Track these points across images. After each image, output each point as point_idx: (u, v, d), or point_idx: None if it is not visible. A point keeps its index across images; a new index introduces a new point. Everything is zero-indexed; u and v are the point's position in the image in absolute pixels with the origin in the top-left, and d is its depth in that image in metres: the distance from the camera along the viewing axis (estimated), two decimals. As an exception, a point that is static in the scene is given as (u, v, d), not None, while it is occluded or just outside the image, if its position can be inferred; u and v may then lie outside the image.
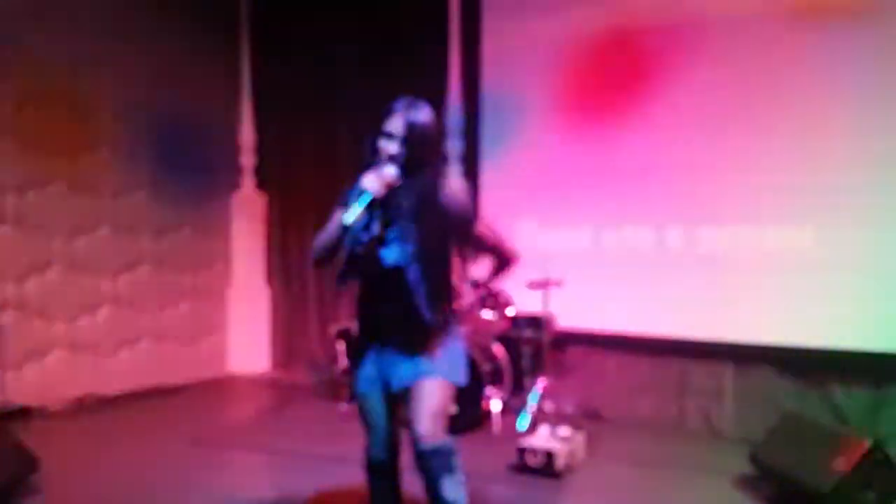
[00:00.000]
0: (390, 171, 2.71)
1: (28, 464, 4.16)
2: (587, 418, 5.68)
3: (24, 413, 5.77)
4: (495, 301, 5.65)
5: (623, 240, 5.77)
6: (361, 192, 2.65)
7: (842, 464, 3.72)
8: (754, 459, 4.30)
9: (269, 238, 7.68)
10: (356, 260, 2.80)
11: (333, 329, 6.20)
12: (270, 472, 4.72)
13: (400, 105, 2.79)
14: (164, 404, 6.39)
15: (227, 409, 6.41)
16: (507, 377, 5.61)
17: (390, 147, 2.75)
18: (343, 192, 2.85)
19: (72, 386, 6.21)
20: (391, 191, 2.74)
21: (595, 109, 5.88)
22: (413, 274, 2.78)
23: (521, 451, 4.50)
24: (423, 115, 2.80)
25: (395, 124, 2.75)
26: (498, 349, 5.68)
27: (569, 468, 4.51)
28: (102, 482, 4.39)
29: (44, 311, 6.06)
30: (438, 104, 6.55)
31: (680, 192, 5.56)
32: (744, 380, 5.41)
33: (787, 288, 5.19)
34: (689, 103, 5.51)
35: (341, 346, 5.95)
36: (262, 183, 7.67)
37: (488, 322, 5.62)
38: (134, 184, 6.71)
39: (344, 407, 5.89)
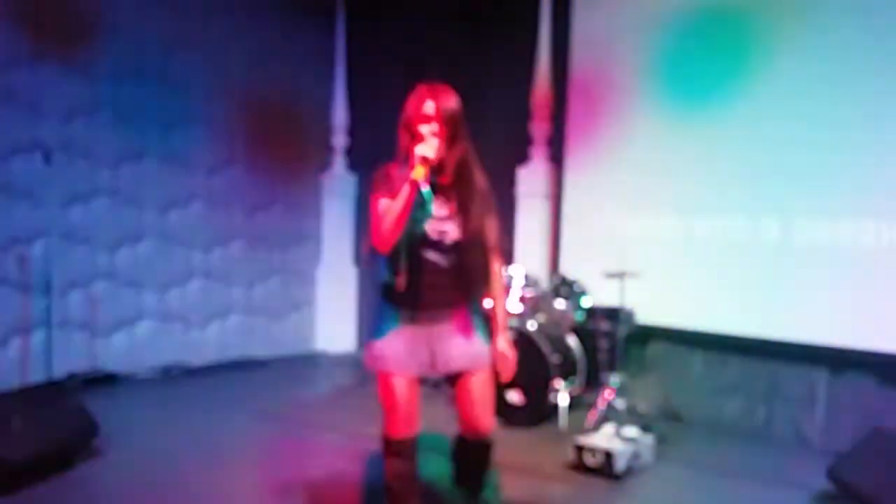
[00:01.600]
0: (433, 142, 2.77)
1: (89, 428, 4.29)
2: (666, 419, 5.37)
3: (111, 379, 6.01)
4: (570, 290, 5.41)
5: (714, 231, 5.38)
6: (419, 158, 2.70)
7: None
8: (833, 475, 3.91)
9: (359, 219, 7.67)
10: (413, 240, 2.84)
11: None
12: (324, 450, 4.67)
13: (425, 90, 2.87)
14: (248, 378, 6.52)
15: (305, 386, 6.44)
16: (581, 371, 5.38)
17: (431, 127, 2.81)
18: (378, 181, 2.87)
19: (159, 355, 6.42)
20: (435, 171, 2.81)
21: (688, 92, 5.50)
22: (463, 255, 2.88)
23: (579, 450, 4.28)
24: (449, 95, 2.88)
25: (429, 108, 2.82)
26: (573, 341, 5.44)
27: (631, 471, 4.26)
28: (162, 449, 4.53)
29: (135, 281, 6.27)
30: (527, 84, 6.34)
31: (778, 181, 5.11)
32: (839, 388, 4.94)
33: (893, 287, 4.70)
34: (794, 89, 5.05)
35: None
36: (353, 164, 7.66)
37: (562, 312, 5.39)
38: (227, 160, 6.85)
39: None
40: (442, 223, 2.86)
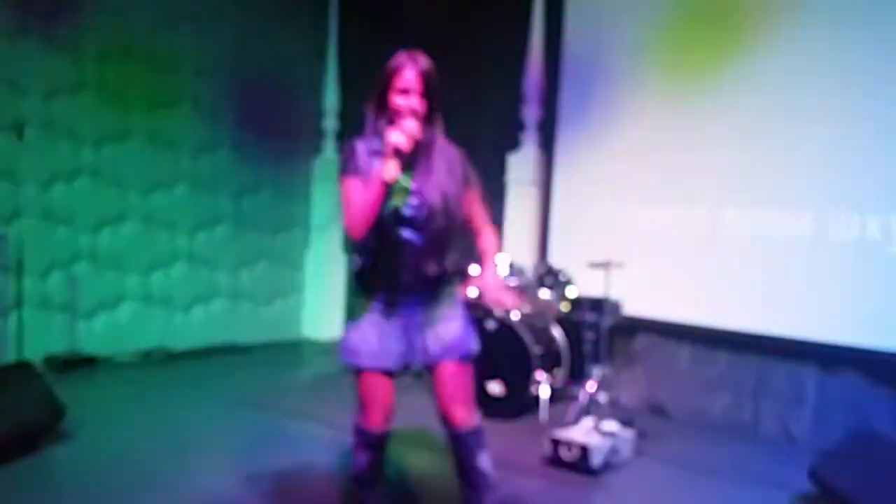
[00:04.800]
0: (412, 125, 2.59)
1: (55, 411, 4.19)
2: (651, 413, 5.24)
3: (90, 362, 5.93)
4: (555, 280, 5.29)
5: (705, 222, 5.23)
6: (393, 149, 2.55)
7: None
8: (814, 476, 3.77)
9: (348, 204, 7.55)
10: (386, 220, 2.67)
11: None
12: (300, 439, 4.56)
13: (405, 59, 2.68)
14: (231, 363, 6.43)
15: (288, 373, 6.33)
16: (565, 362, 5.25)
17: (411, 102, 2.64)
18: (346, 161, 2.71)
19: (141, 339, 6.33)
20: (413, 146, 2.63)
21: (682, 79, 5.35)
22: (438, 228, 2.72)
23: (555, 444, 4.16)
24: (429, 64, 2.70)
25: (410, 79, 2.65)
26: (558, 332, 5.32)
27: (608, 466, 4.14)
28: (133, 434, 4.44)
29: (117, 263, 6.19)
30: (519, 69, 6.20)
31: (771, 171, 4.97)
32: (828, 386, 4.80)
33: (887, 284, 4.55)
34: (792, 77, 4.88)
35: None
36: (343, 148, 7.51)
37: (546, 302, 5.26)
38: (214, 142, 6.74)
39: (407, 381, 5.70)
40: (410, 196, 2.70)
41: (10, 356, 5.35)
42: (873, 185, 4.60)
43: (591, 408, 4.70)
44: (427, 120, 2.68)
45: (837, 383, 4.78)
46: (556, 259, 5.75)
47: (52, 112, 5.72)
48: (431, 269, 2.75)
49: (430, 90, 2.67)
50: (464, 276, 2.97)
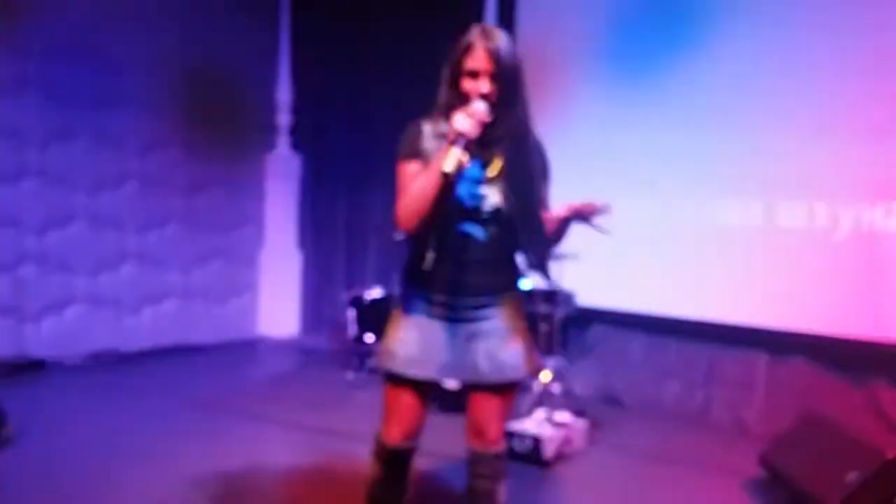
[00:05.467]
0: (480, 107, 2.27)
1: (-4, 417, 4.10)
2: (605, 403, 5.27)
3: (39, 366, 5.79)
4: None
5: (656, 213, 5.24)
6: (457, 135, 2.22)
7: (854, 477, 3.23)
8: (764, 461, 3.82)
9: (303, 201, 7.49)
10: (447, 209, 2.35)
11: (345, 296, 5.96)
12: (253, 440, 4.50)
13: (476, 35, 2.35)
14: (184, 364, 6.31)
15: (243, 373, 6.26)
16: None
17: (480, 86, 2.31)
18: (406, 142, 2.43)
19: (91, 341, 6.20)
20: (483, 132, 2.30)
21: (635, 69, 5.36)
22: (507, 227, 2.40)
23: (508, 436, 4.15)
24: (505, 42, 2.36)
25: (480, 59, 2.32)
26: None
27: (561, 456, 4.15)
28: (81, 439, 4.31)
29: (65, 264, 6.04)
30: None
31: (721, 161, 5.00)
32: (777, 372, 4.86)
33: (836, 272, 4.60)
34: (743, 66, 4.91)
35: (352, 314, 5.71)
36: (298, 144, 7.46)
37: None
38: (163, 140, 6.61)
39: (351, 376, 5.66)
40: (479, 186, 2.38)
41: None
42: (822, 175, 4.64)
43: (544, 399, 4.71)
44: (503, 104, 2.34)
45: (787, 370, 4.84)
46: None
47: (-6, 113, 5.60)
48: (494, 271, 2.45)
49: (506, 71, 2.33)
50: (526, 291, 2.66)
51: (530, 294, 5.29)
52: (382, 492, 2.57)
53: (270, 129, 7.44)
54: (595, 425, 4.62)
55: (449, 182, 2.25)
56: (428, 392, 2.52)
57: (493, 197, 2.38)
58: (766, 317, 4.83)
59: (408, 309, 2.50)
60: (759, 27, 4.88)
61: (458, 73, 2.35)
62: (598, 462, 4.25)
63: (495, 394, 2.49)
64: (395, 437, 2.51)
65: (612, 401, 5.35)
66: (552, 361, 4.94)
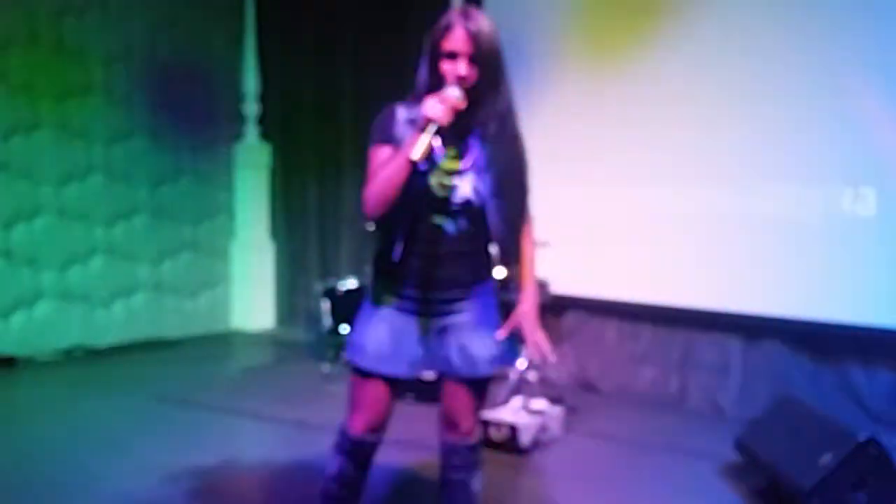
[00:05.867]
0: (454, 93, 2.18)
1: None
2: (581, 390, 5.27)
3: (9, 363, 5.70)
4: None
5: (626, 199, 5.24)
6: (427, 121, 2.14)
7: (829, 458, 3.24)
8: (740, 446, 3.83)
9: (273, 190, 7.41)
10: (418, 202, 2.30)
11: (319, 287, 5.91)
12: (224, 434, 4.45)
13: (456, 16, 2.25)
14: (156, 359, 6.23)
15: (216, 367, 6.15)
16: (495, 343, 5.23)
17: (458, 68, 2.22)
18: (378, 127, 2.34)
19: (61, 337, 6.10)
20: (456, 118, 2.21)
21: (602, 57, 5.34)
22: (493, 214, 2.32)
23: (484, 424, 4.14)
24: (487, 25, 2.26)
25: (458, 40, 2.22)
26: (487, 313, 5.29)
27: (537, 444, 4.14)
28: (50, 436, 4.24)
29: (32, 259, 5.93)
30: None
31: (689, 148, 5.00)
32: (752, 356, 4.89)
33: (806, 255, 4.62)
34: (712, 55, 4.92)
35: (326, 305, 5.65)
36: (267, 133, 7.37)
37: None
38: (129, 130, 6.49)
39: (326, 368, 5.61)
40: (451, 177, 2.31)
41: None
42: (793, 160, 4.66)
43: (520, 387, 4.70)
44: (481, 88, 2.26)
45: (761, 353, 4.87)
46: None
47: (-47, 105, 5.47)
48: (465, 264, 2.38)
49: (486, 54, 2.24)
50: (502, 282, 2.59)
51: (503, 283, 5.28)
52: (339, 487, 2.49)
53: (238, 119, 7.34)
54: (571, 412, 4.62)
55: (416, 169, 2.20)
56: (397, 386, 2.46)
57: (463, 188, 2.31)
58: (740, 301, 4.85)
59: (377, 302, 2.44)
60: (729, 18, 4.87)
61: (436, 55, 2.27)
62: (576, 449, 4.24)
63: (468, 386, 2.45)
64: (358, 428, 2.44)
65: (588, 387, 5.36)
66: (525, 350, 4.91)
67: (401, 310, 2.41)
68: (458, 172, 2.32)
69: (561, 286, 5.31)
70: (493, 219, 2.34)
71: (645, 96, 5.16)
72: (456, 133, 2.28)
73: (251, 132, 7.34)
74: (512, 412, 4.21)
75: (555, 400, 4.54)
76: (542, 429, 4.20)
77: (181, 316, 6.96)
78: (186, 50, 6.81)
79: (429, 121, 2.15)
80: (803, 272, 4.63)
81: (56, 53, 5.96)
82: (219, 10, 7.11)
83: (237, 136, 7.36)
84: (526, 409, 4.26)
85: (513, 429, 4.04)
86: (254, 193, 7.33)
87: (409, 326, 2.41)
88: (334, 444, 2.51)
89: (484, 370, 2.43)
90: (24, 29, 5.77)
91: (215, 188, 7.23)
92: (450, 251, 2.35)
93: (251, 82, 7.30)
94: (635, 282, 5.23)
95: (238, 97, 7.31)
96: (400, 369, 2.40)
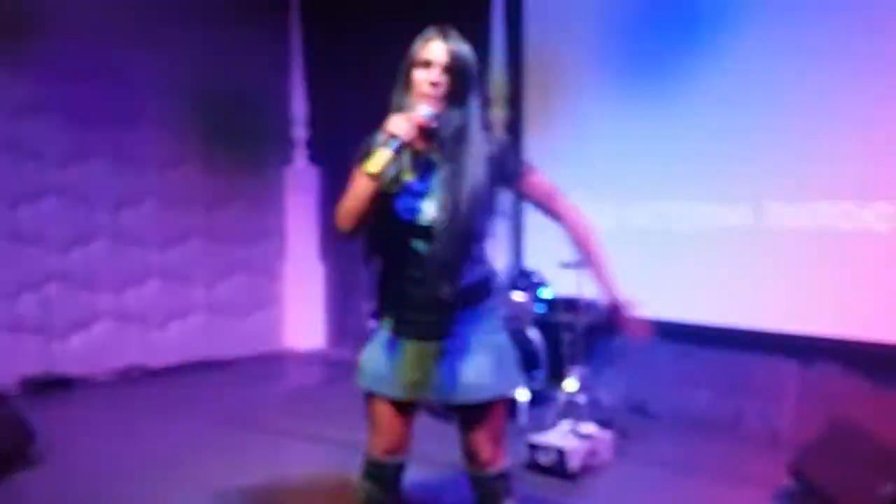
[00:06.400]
0: (423, 111, 2.24)
1: (23, 435, 4.12)
2: (631, 413, 5.19)
3: (67, 383, 5.84)
4: (528, 282, 5.22)
5: (681, 218, 5.15)
6: (389, 136, 2.19)
7: (889, 489, 3.14)
8: (794, 471, 3.72)
9: (323, 213, 7.49)
10: (388, 222, 2.32)
11: (368, 307, 5.93)
12: (271, 454, 4.48)
13: (434, 32, 2.35)
14: (210, 379, 6.34)
15: (269, 386, 6.23)
16: (544, 365, 5.19)
17: (430, 75, 2.27)
18: (361, 149, 2.36)
19: (117, 357, 6.25)
20: (427, 135, 2.29)
21: (646, 72, 5.28)
22: (455, 238, 2.29)
23: (532, 448, 4.10)
24: (462, 43, 2.35)
25: (434, 50, 2.29)
26: (535, 334, 5.25)
27: (587, 469, 4.08)
28: (108, 456, 4.35)
29: (89, 282, 6.10)
30: (483, 70, 6.12)
31: (748, 163, 4.87)
32: (808, 378, 4.74)
33: (864, 274, 4.46)
34: (756, 66, 4.81)
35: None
36: (315, 156, 7.47)
37: (521, 305, 5.20)
38: (181, 157, 6.66)
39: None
40: (420, 199, 2.32)
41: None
42: (856, 175, 4.50)
43: (569, 410, 4.64)
44: (455, 103, 2.30)
45: (818, 376, 4.72)
46: (531, 260, 5.69)
47: (16, 133, 5.66)
48: (445, 287, 2.32)
49: (460, 69, 2.29)
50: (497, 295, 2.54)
51: (552, 302, 5.25)
52: None
53: (287, 143, 7.44)
54: (622, 436, 4.54)
55: (379, 186, 2.22)
56: (409, 408, 2.46)
57: (429, 210, 2.31)
58: (796, 322, 4.71)
59: (380, 326, 2.46)
60: (773, 29, 4.77)
61: (410, 65, 2.32)
62: (626, 474, 4.17)
63: (479, 414, 2.44)
64: (379, 450, 2.47)
65: (639, 411, 5.26)
66: (576, 371, 4.87)
67: (398, 334, 2.40)
68: (426, 194, 2.32)
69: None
70: (442, 238, 2.29)
71: (686, 109, 5.08)
72: (425, 155, 2.32)
73: (300, 156, 7.44)
74: (560, 436, 4.16)
75: (605, 423, 4.47)
76: (592, 453, 4.14)
77: (234, 336, 7.06)
78: (235, 76, 6.92)
79: (391, 136, 2.18)
80: (861, 292, 4.49)
81: (108, 83, 6.14)
82: (266, 36, 7.22)
83: (286, 160, 7.45)
84: (574, 432, 4.20)
85: (560, 453, 3.99)
86: (304, 216, 7.42)
87: (406, 352, 2.38)
88: (361, 469, 2.52)
89: (476, 396, 2.40)
90: (78, 61, 5.95)
91: (266, 211, 7.33)
92: (429, 274, 2.32)
93: (299, 107, 7.40)
94: (688, 301, 5.12)
95: (286, 122, 7.41)
96: (396, 392, 2.40)
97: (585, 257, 2.54)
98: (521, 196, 2.52)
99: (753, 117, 4.83)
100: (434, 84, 2.27)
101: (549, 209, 2.54)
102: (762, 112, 4.79)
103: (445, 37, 2.32)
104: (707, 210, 5.07)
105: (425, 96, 2.27)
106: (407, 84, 2.33)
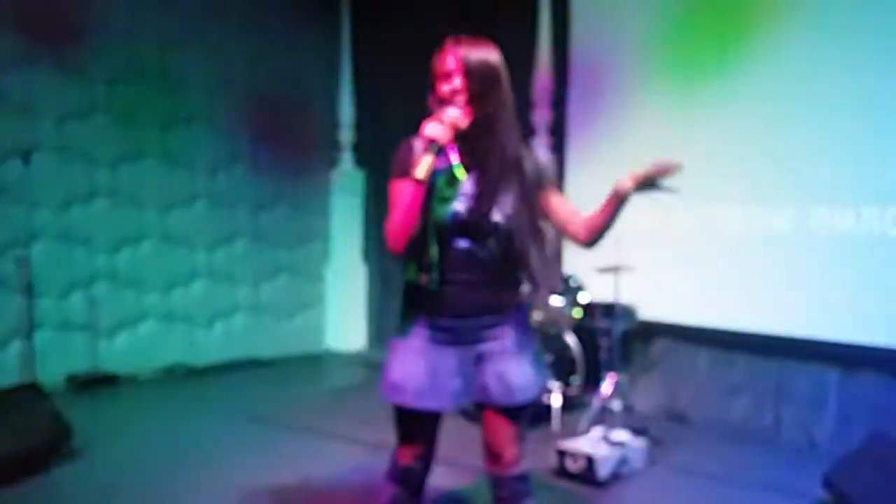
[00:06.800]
0: (453, 113, 2.28)
1: (62, 431, 4.22)
2: (670, 420, 5.11)
3: (112, 380, 5.98)
4: (566, 286, 5.19)
5: (720, 223, 5.08)
6: (429, 141, 2.24)
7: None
8: (828, 483, 3.63)
9: (367, 216, 7.55)
10: (440, 227, 2.31)
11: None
12: (307, 455, 4.52)
13: (447, 43, 2.38)
14: (253, 378, 6.44)
15: (311, 387, 6.31)
16: (580, 370, 5.15)
17: (453, 84, 2.32)
18: (395, 161, 2.40)
19: (163, 356, 6.38)
20: (462, 138, 2.32)
21: (691, 76, 5.22)
22: (503, 238, 2.32)
23: (561, 455, 4.07)
24: (477, 46, 2.37)
25: (448, 60, 2.34)
26: (572, 339, 5.22)
27: (617, 477, 4.03)
28: (148, 453, 4.44)
29: (136, 281, 6.24)
30: (528, 72, 6.12)
31: (788, 168, 4.80)
32: (849, 387, 4.63)
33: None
34: (798, 72, 4.73)
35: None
36: (361, 160, 7.53)
37: (559, 309, 5.16)
38: (230, 159, 6.79)
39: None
40: (473, 201, 2.33)
41: (31, 377, 5.40)
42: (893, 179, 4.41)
43: (604, 416, 4.59)
44: (479, 106, 2.32)
45: (859, 385, 4.59)
46: (568, 264, 5.64)
47: (65, 136, 5.82)
48: (496, 289, 2.36)
49: (477, 72, 2.31)
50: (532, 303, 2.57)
51: (588, 308, 5.20)
52: None
53: (334, 146, 7.54)
54: (656, 444, 4.48)
55: (427, 191, 2.26)
56: (439, 415, 2.47)
57: (486, 208, 2.32)
58: (838, 330, 4.60)
59: (410, 335, 2.40)
60: (814, 33, 4.68)
61: (434, 78, 2.37)
62: (658, 483, 4.11)
63: (507, 416, 2.43)
64: (407, 457, 2.48)
65: (677, 418, 5.19)
66: (611, 377, 4.82)
67: (435, 342, 2.37)
68: (467, 191, 2.34)
69: (649, 312, 5.19)
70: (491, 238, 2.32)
71: (734, 114, 5.01)
72: (467, 155, 2.36)
73: (346, 159, 7.53)
74: (590, 443, 4.12)
75: (638, 431, 4.41)
76: (623, 461, 4.09)
77: (277, 336, 7.17)
78: (284, 80, 7.05)
79: (430, 141, 2.23)
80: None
81: (159, 85, 6.28)
82: (315, 40, 7.34)
83: (333, 162, 7.54)
84: (606, 439, 4.16)
85: (590, 460, 3.95)
86: (348, 218, 7.51)
87: (445, 358, 2.37)
88: (386, 471, 2.53)
89: (522, 398, 2.40)
90: (129, 62, 6.10)
91: (312, 213, 7.43)
92: (479, 276, 2.34)
93: (346, 111, 7.49)
94: (728, 308, 5.04)
95: (334, 125, 7.51)
96: (442, 403, 2.38)
97: (598, 216, 2.42)
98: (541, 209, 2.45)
99: (799, 119, 4.76)
100: (455, 91, 2.31)
101: (568, 216, 2.46)
102: (808, 114, 4.71)
103: (457, 44, 2.35)
104: (750, 214, 4.98)
105: (450, 105, 2.31)
106: (433, 94, 2.38)
